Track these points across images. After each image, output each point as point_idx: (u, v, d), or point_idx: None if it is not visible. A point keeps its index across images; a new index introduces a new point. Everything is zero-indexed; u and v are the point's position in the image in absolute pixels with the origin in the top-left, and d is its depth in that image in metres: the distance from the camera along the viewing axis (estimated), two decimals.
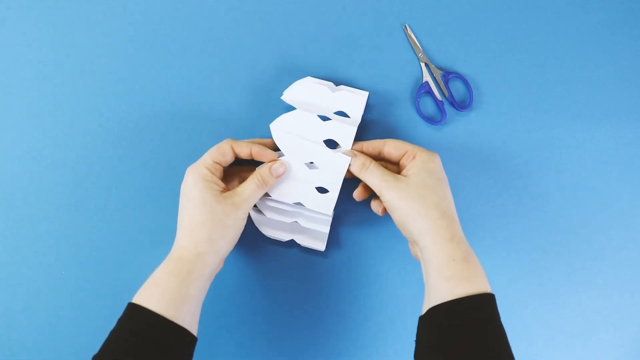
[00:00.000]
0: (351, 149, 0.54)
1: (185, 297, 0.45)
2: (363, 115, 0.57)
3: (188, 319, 0.45)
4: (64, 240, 0.57)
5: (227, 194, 0.49)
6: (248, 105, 0.59)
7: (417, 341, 0.46)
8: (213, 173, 0.49)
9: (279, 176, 0.52)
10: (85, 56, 0.59)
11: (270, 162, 0.52)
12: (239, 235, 0.51)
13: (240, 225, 0.50)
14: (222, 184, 0.50)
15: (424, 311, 0.46)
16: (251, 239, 0.57)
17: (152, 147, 0.58)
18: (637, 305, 0.58)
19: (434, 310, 0.44)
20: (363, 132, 0.58)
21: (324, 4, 0.60)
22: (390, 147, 0.52)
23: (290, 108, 0.55)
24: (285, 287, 0.57)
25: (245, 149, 0.51)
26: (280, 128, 0.54)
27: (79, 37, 0.59)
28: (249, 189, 0.50)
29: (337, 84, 0.58)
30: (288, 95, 0.56)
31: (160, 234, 0.57)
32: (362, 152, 0.53)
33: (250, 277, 0.57)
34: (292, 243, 0.56)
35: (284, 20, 0.60)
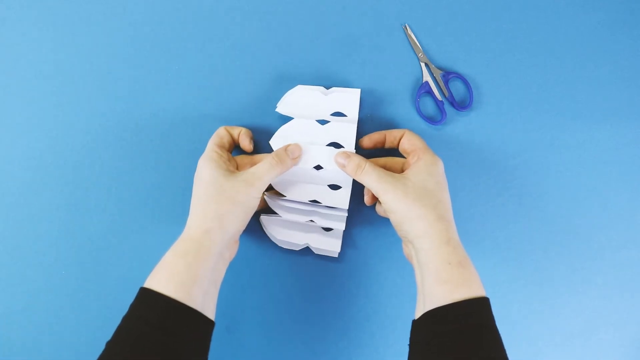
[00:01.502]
0: (373, 137, 0.54)
1: (195, 277, 0.44)
2: (363, 115, 0.57)
3: (199, 300, 0.44)
4: (64, 240, 0.57)
5: (239, 172, 0.50)
6: (249, 104, 0.59)
7: (411, 345, 0.45)
8: (221, 156, 0.50)
9: (294, 158, 0.52)
10: (85, 56, 0.59)
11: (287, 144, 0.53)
12: (250, 215, 0.50)
13: (252, 205, 0.49)
14: (233, 166, 0.51)
15: (418, 315, 0.46)
16: (252, 240, 0.57)
17: (151, 147, 0.58)
18: (637, 305, 0.58)
19: (430, 315, 0.44)
20: (363, 133, 0.58)
21: (324, 4, 0.60)
22: (406, 140, 0.53)
23: (286, 117, 0.56)
24: (285, 287, 0.57)
25: (236, 130, 0.54)
26: (280, 139, 0.54)
27: (79, 37, 0.59)
28: (262, 167, 0.50)
29: (329, 86, 0.58)
30: (282, 107, 0.56)
31: (161, 234, 0.57)
32: (385, 140, 0.54)
33: (250, 278, 0.57)
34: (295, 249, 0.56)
35: (284, 21, 0.60)
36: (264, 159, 0.51)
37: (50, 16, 0.60)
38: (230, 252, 0.50)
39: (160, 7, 0.60)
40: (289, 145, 0.52)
